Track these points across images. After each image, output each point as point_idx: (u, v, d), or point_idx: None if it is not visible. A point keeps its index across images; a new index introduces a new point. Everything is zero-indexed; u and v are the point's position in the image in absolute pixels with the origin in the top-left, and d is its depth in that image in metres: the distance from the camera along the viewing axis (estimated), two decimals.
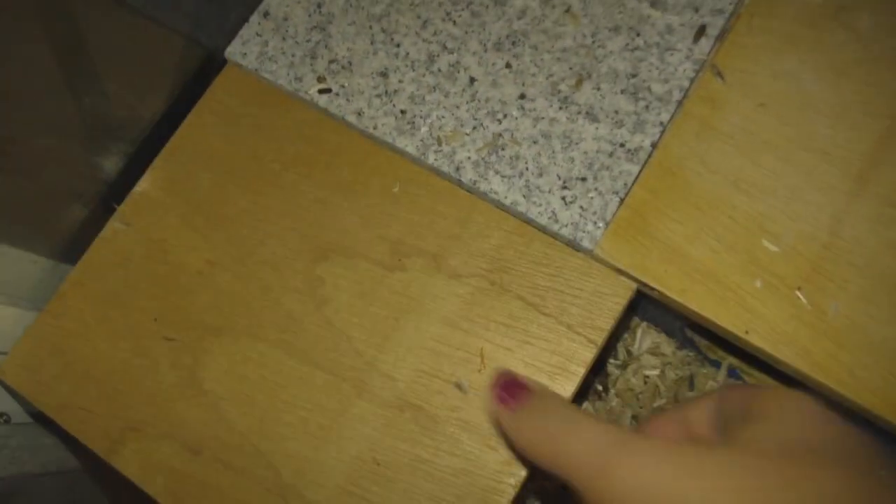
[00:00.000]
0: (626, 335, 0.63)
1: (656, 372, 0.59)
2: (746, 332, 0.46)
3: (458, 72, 0.55)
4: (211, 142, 0.56)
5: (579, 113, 0.53)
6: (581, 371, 0.47)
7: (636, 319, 0.63)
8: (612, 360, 0.61)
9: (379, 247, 0.52)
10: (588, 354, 0.47)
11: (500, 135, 0.53)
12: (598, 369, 0.60)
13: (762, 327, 0.46)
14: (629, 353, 0.62)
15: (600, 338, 0.48)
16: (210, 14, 0.58)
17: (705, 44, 0.53)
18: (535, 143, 0.52)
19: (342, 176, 0.54)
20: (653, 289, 0.49)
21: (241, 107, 0.57)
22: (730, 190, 0.49)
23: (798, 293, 0.46)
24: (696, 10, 0.53)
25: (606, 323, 0.48)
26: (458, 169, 0.52)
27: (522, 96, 0.54)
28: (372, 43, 0.57)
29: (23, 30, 0.44)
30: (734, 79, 0.52)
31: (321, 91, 0.56)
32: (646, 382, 0.59)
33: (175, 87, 0.60)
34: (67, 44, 0.48)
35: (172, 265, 0.54)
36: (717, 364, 0.60)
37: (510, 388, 0.40)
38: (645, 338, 0.62)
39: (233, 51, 0.58)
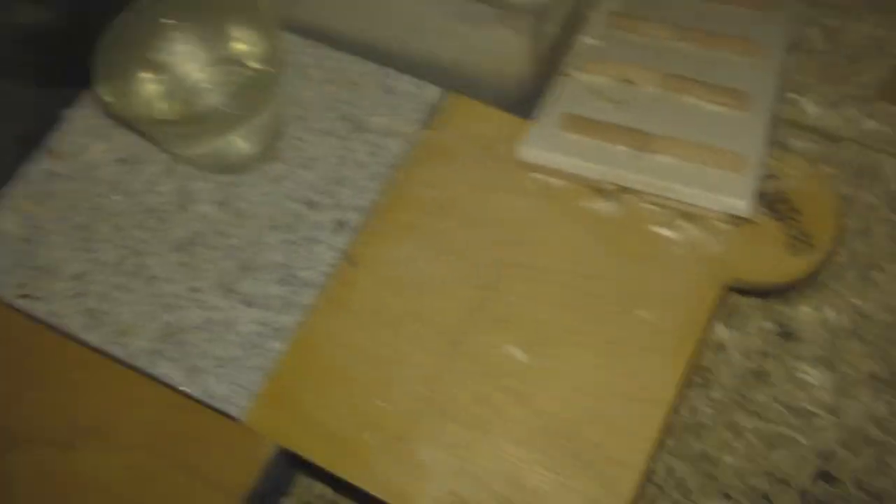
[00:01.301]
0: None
1: None
2: (361, 481, 0.54)
3: (142, 271, 0.64)
4: None
5: (239, 300, 0.62)
6: None
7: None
8: None
9: (57, 429, 0.58)
10: None
11: (171, 324, 0.61)
12: None
13: (369, 474, 0.54)
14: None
15: (246, 492, 0.55)
16: None
17: (344, 236, 0.64)
18: (200, 329, 0.61)
19: (32, 367, 0.61)
20: (293, 451, 0.56)
21: None
22: (356, 360, 0.59)
23: (400, 443, 0.55)
24: (339, 206, 0.65)
25: (249, 480, 0.55)
26: (133, 356, 0.60)
27: (194, 289, 0.63)
28: (73, 250, 0.66)
29: None
30: (364, 264, 0.62)
31: (22, 296, 0.64)
32: None
33: None
34: None
35: None
36: None
37: None
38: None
39: None
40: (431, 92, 0.70)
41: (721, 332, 0.77)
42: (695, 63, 0.69)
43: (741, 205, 0.58)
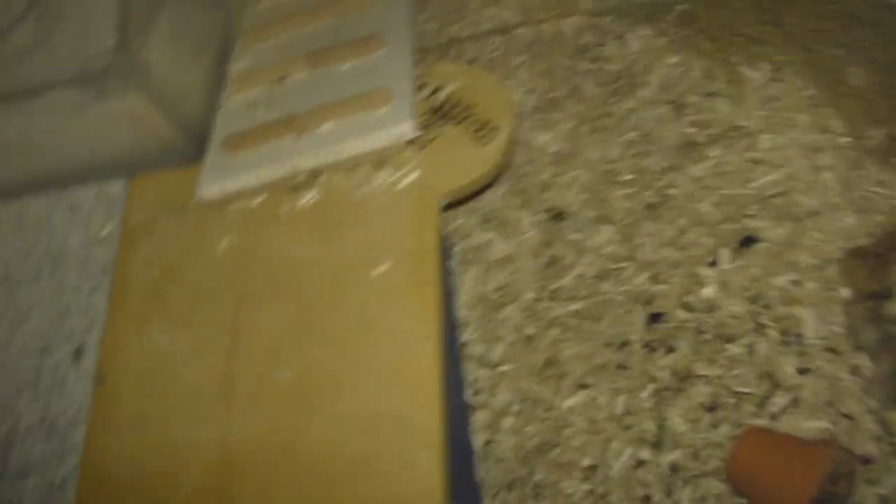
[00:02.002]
0: None
1: None
2: None
3: None
4: None
5: (15, 477, 0.58)
6: None
7: None
8: None
9: None
10: None
11: None
12: None
13: None
14: None
15: None
16: None
17: (87, 360, 0.61)
18: None
19: None
20: None
21: None
22: (142, 467, 0.56)
23: None
24: (71, 337, 0.62)
25: None
26: None
27: None
28: None
29: None
30: (113, 374, 0.59)
31: None
32: None
33: None
34: None
35: None
36: None
37: None
38: None
39: None
40: (114, 186, 0.69)
41: (500, 246, 0.77)
42: (330, 32, 0.70)
43: (406, 128, 0.59)
